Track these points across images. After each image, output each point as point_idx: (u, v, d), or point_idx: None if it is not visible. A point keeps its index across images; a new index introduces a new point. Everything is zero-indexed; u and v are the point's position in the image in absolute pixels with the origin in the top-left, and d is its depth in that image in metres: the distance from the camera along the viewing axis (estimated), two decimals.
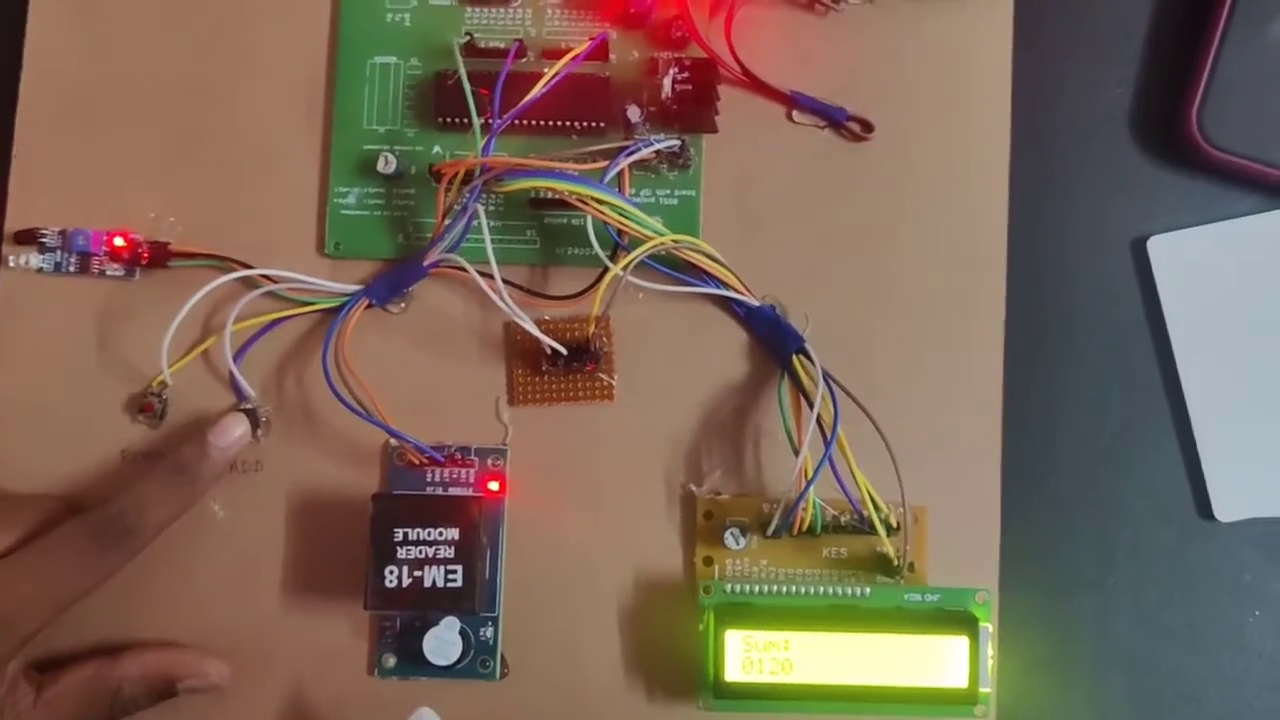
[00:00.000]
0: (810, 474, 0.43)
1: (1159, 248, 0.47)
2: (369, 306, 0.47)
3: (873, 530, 0.44)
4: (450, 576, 0.43)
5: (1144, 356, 0.47)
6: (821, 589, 0.44)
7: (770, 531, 0.45)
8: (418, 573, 0.43)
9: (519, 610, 0.46)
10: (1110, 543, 0.46)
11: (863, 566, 0.45)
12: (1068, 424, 0.47)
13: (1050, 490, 0.47)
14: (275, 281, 0.47)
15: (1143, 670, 0.46)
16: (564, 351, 0.46)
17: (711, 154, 0.47)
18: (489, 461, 0.46)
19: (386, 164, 0.47)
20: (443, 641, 0.44)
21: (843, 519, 0.45)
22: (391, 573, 0.43)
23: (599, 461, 0.47)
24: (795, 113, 0.47)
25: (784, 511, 0.44)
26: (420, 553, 0.43)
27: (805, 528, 0.44)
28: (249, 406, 0.47)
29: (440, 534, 0.43)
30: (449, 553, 0.43)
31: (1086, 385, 0.47)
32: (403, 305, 0.48)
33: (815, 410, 0.43)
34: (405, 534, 0.43)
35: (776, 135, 0.47)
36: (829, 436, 0.43)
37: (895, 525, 0.44)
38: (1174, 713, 0.46)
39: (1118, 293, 0.47)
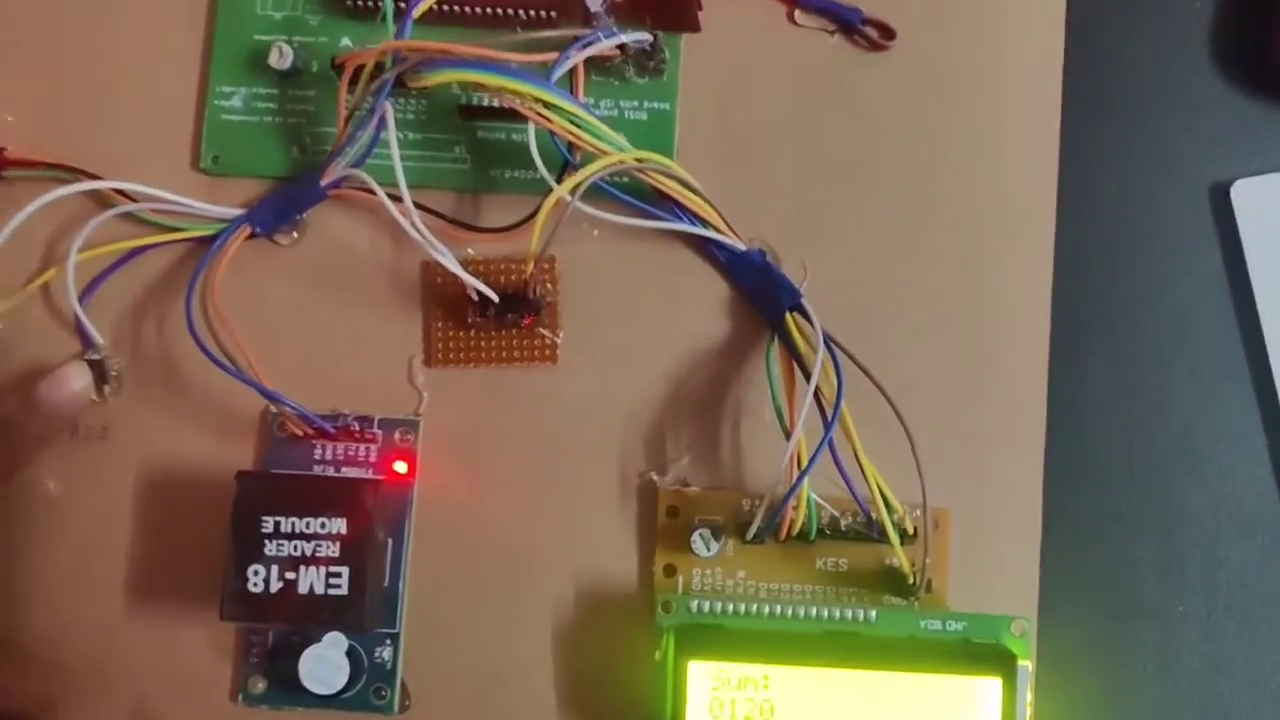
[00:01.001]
0: (804, 462, 0.33)
1: (1244, 194, 0.38)
2: (252, 236, 0.37)
3: (882, 537, 0.34)
4: (333, 581, 0.33)
5: (1222, 325, 0.38)
6: (814, 611, 0.34)
7: (751, 535, 0.35)
8: (291, 575, 0.33)
9: (426, 627, 0.36)
10: (1177, 561, 0.37)
11: (867, 583, 0.36)
12: (1126, 410, 0.37)
13: (1103, 493, 0.37)
14: (135, 200, 0.38)
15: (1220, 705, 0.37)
16: (495, 299, 0.36)
17: (692, 58, 0.38)
18: (396, 436, 0.37)
19: (281, 57, 0.37)
20: (324, 663, 0.34)
21: (844, 521, 0.35)
22: (256, 573, 0.33)
23: (536, 440, 0.37)
24: (798, 12, 0.38)
25: (769, 510, 0.34)
26: (295, 549, 0.33)
27: (796, 531, 0.35)
28: (95, 357, 0.38)
29: (323, 525, 0.33)
30: (333, 550, 0.33)
31: (1150, 361, 0.38)
32: (294, 236, 0.38)
33: (813, 382, 0.34)
34: (277, 524, 0.33)
35: (774, 39, 0.38)
36: (830, 415, 0.33)
37: (912, 531, 0.35)
38: None
39: (1192, 247, 0.38)
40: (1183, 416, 0.38)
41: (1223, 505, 0.37)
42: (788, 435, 0.34)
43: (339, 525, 0.33)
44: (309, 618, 0.33)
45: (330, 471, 0.36)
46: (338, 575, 0.33)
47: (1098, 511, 0.37)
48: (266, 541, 0.33)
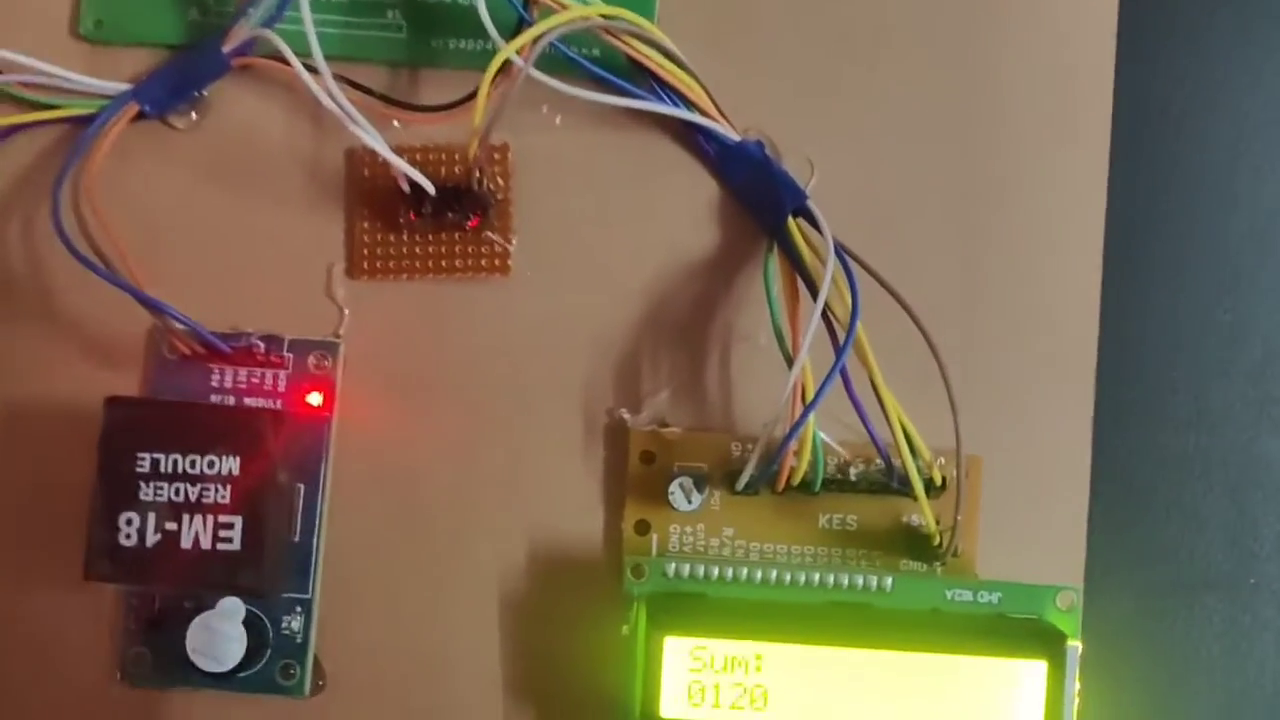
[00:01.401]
0: (810, 395, 0.27)
1: None
2: (140, 116, 0.31)
3: (903, 487, 0.28)
4: (224, 534, 0.27)
5: None
6: (817, 577, 0.28)
7: (742, 485, 0.29)
8: (171, 525, 0.27)
9: (346, 593, 0.30)
10: (1250, 523, 0.31)
11: (882, 545, 0.30)
12: (1193, 340, 0.31)
13: (1164, 441, 0.31)
14: (0, 71, 0.31)
15: None
16: (432, 192, 0.30)
17: None
18: (311, 361, 0.30)
19: None
20: (216, 635, 0.28)
21: (855, 470, 0.29)
22: (130, 523, 0.27)
23: (482, 370, 0.31)
24: None
25: (765, 454, 0.28)
26: (178, 493, 0.27)
27: (797, 481, 0.28)
28: None
29: (211, 465, 0.27)
30: (223, 495, 0.27)
31: (1224, 281, 0.32)
32: (192, 117, 0.31)
33: (821, 298, 0.28)
34: (155, 462, 0.27)
35: None
36: (843, 341, 0.27)
37: (940, 482, 0.29)
38: None
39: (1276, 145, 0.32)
40: (1262, 349, 0.32)
41: None
42: (790, 362, 0.28)
43: (231, 465, 0.27)
44: (194, 578, 0.27)
45: (230, 403, 0.30)
46: (229, 527, 0.27)
47: (1157, 462, 0.31)
48: (142, 484, 0.27)
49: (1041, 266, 0.31)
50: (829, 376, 0.27)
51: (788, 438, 0.27)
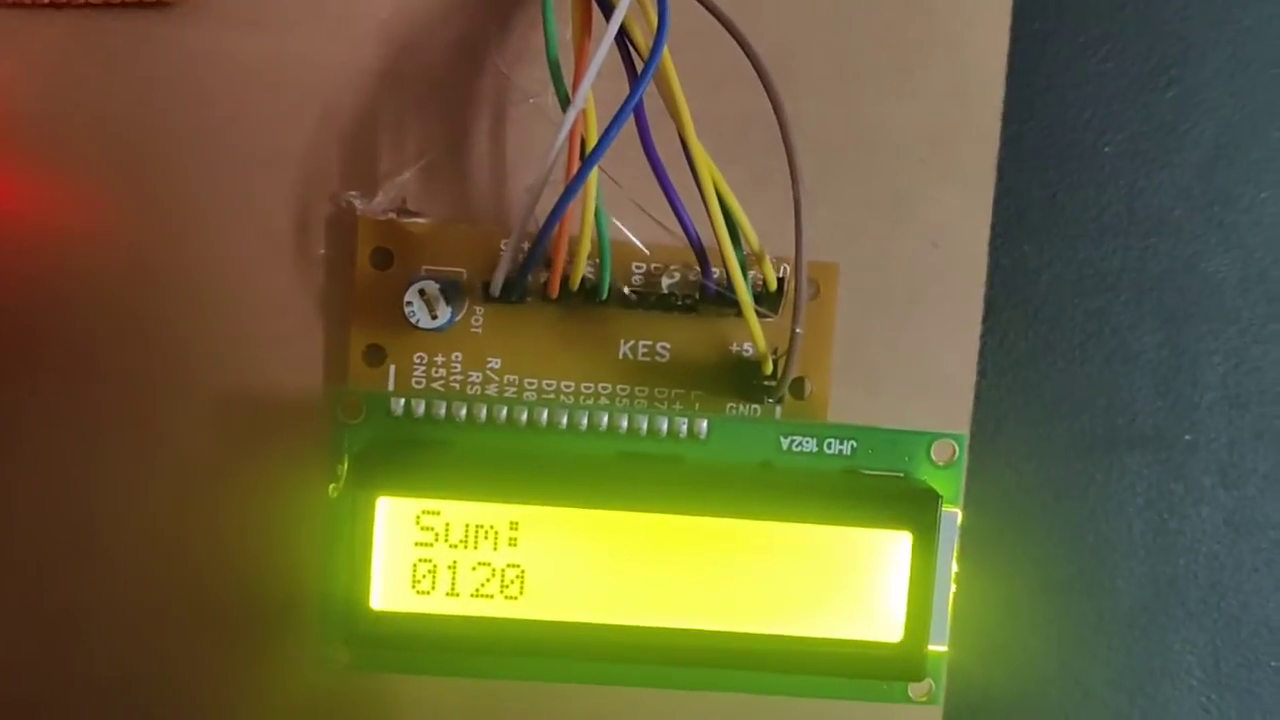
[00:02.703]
0: (592, 145, 0.19)
1: None
2: None
3: (724, 296, 0.20)
4: None
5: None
6: (605, 419, 0.21)
7: (497, 286, 0.20)
8: None
9: None
10: (1188, 363, 0.23)
11: (704, 382, 0.22)
12: (1123, 125, 0.24)
13: (1080, 259, 0.23)
14: None
15: (1236, 585, 0.24)
16: None
17: None
18: None
19: None
20: None
21: (667, 279, 0.21)
22: None
23: (157, 134, 0.22)
24: None
25: (518, 242, 0.20)
26: None
27: (576, 283, 0.21)
28: None
29: None
30: None
31: (1167, 62, 0.24)
32: None
33: (617, 16, 0.19)
34: None
35: None
36: (643, 68, 0.19)
37: (776, 287, 0.21)
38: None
39: None
40: (1214, 132, 0.24)
41: (1264, 279, 0.24)
42: (565, 104, 0.20)
43: None
44: None
45: None
46: None
47: (1072, 282, 0.24)
48: None
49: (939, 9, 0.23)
50: (619, 115, 0.18)
51: (559, 206, 0.19)
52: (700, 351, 0.22)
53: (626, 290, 0.21)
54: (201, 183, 0.22)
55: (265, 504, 0.22)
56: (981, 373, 0.22)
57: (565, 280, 0.20)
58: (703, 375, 0.22)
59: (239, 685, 0.22)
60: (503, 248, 0.22)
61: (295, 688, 0.22)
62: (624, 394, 0.22)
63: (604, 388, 0.22)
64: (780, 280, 0.20)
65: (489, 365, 0.22)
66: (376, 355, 0.22)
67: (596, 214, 0.19)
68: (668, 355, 0.22)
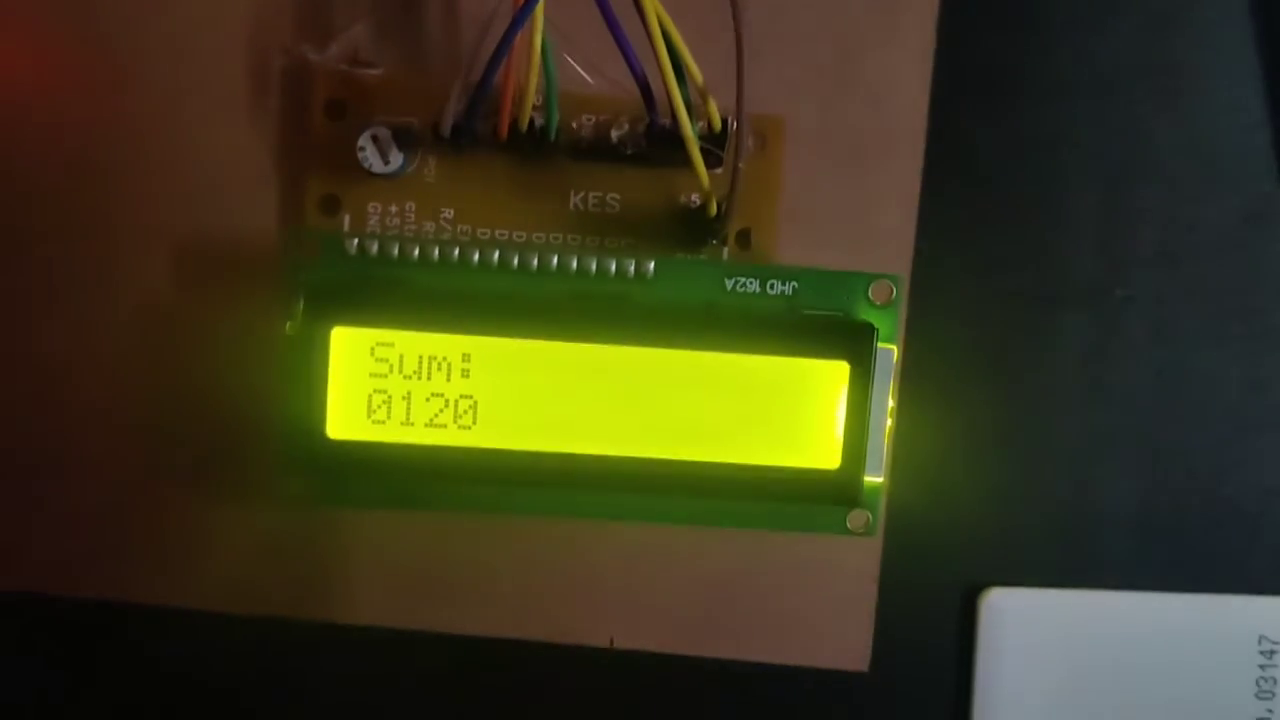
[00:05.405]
0: None
1: None
2: None
3: (670, 134, 0.21)
4: None
5: None
6: (555, 260, 0.21)
7: (447, 127, 0.21)
8: None
9: None
10: (1126, 219, 0.24)
11: (654, 231, 0.22)
12: None
13: (1022, 110, 0.24)
14: None
15: (1167, 436, 0.25)
16: None
17: None
18: None
19: None
20: None
21: (617, 130, 0.22)
22: None
23: None
24: None
25: (466, 78, 0.20)
26: None
27: (525, 124, 0.21)
28: None
29: None
30: None
31: None
32: None
33: None
34: None
35: None
36: None
37: (721, 128, 0.22)
38: (1209, 504, 0.25)
39: None
40: None
41: (1200, 143, 0.25)
42: None
43: None
44: None
45: None
46: None
47: (1009, 132, 0.24)
48: None
49: None
50: None
51: (506, 36, 0.19)
52: (650, 202, 0.22)
53: (575, 126, 0.21)
54: (154, 36, 0.22)
55: (222, 347, 0.22)
56: (923, 231, 0.23)
57: (515, 124, 0.21)
58: (652, 225, 0.22)
59: (199, 524, 0.22)
60: (456, 96, 0.22)
61: (254, 526, 0.22)
62: (575, 243, 0.22)
63: (555, 238, 0.22)
64: (725, 122, 0.21)
65: (442, 216, 0.22)
66: (332, 205, 0.22)
67: (544, 49, 0.19)
68: (618, 206, 0.22)
